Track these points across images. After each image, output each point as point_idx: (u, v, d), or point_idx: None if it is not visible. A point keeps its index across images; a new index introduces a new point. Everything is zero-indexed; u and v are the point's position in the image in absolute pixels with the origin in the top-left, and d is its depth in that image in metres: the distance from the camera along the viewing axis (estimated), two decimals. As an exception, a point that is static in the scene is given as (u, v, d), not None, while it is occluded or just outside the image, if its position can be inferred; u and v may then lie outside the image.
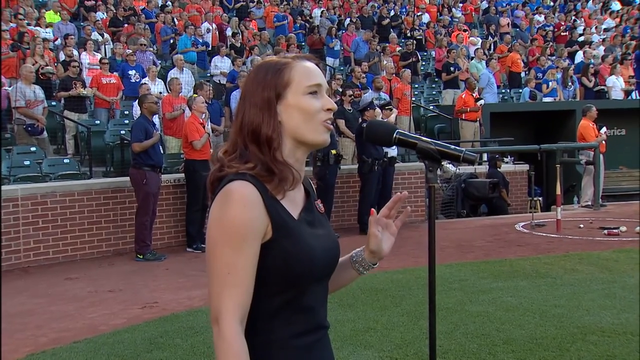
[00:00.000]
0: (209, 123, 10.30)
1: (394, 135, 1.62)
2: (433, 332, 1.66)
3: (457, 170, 11.22)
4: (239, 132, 1.51)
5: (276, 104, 1.50)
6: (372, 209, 1.65)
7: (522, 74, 16.20)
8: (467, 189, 11.27)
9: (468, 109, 12.52)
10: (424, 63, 17.05)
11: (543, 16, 20.97)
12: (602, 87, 15.20)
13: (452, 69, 14.48)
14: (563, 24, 20.03)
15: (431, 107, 14.33)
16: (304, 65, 1.53)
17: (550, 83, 14.77)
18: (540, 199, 12.65)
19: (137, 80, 11.73)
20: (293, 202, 1.51)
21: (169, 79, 11.26)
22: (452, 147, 1.63)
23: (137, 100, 9.19)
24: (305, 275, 1.46)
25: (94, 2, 15.95)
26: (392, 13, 19.04)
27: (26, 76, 9.58)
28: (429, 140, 1.64)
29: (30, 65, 10.26)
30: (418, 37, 17.17)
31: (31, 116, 9.40)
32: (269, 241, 1.44)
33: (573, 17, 21.35)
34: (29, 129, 9.42)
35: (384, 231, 1.65)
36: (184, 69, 12.29)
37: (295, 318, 1.48)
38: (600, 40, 18.78)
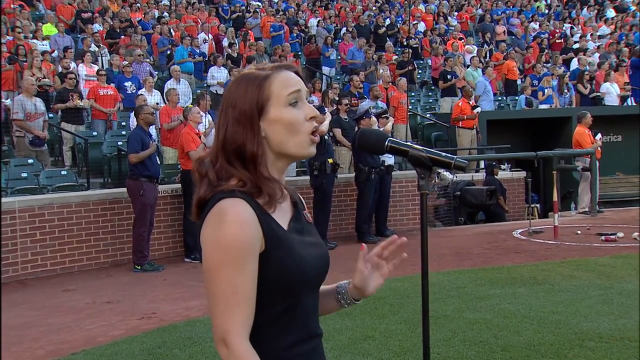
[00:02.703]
0: (212, 133, 10.32)
1: (386, 143, 1.64)
2: (427, 338, 1.67)
3: (455, 178, 11.24)
4: (222, 148, 1.50)
5: (259, 120, 1.49)
6: (363, 245, 1.62)
7: (518, 82, 16.27)
8: (465, 197, 11.28)
9: (465, 117, 12.55)
10: (420, 71, 17.11)
11: (538, 24, 21.06)
12: (598, 93, 15.25)
13: (449, 77, 14.54)
14: (558, 31, 20.13)
15: (428, 115, 14.37)
16: (282, 76, 1.53)
17: (545, 90, 14.81)
18: (537, 205, 12.66)
19: (133, 92, 11.76)
20: (282, 212, 1.52)
21: (166, 89, 11.29)
22: (444, 154, 1.65)
23: (133, 112, 9.21)
24: (298, 284, 1.47)
25: (90, 14, 16.02)
26: (388, 22, 19.12)
27: (27, 89, 9.58)
28: (421, 147, 1.65)
29: (31, 78, 10.26)
30: (414, 46, 17.25)
31: (27, 129, 9.37)
32: (262, 253, 1.44)
33: (568, 25, 21.45)
34: (36, 141, 9.42)
35: (373, 270, 1.63)
36: (181, 79, 12.33)
37: (291, 328, 1.49)
38: (596, 47, 18.87)
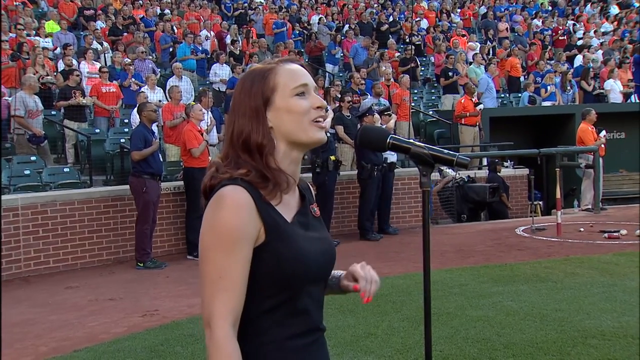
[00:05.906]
0: (215, 131, 10.34)
1: (388, 140, 1.63)
2: (428, 335, 1.66)
3: (457, 175, 11.22)
4: (230, 144, 1.53)
5: (265, 111, 1.52)
6: (356, 285, 1.64)
7: (521, 79, 16.23)
8: (467, 194, 11.26)
9: (467, 114, 12.53)
10: (423, 68, 17.07)
11: (541, 20, 21.01)
12: (602, 90, 15.21)
13: (450, 74, 14.51)
14: (561, 28, 20.07)
15: (430, 113, 14.35)
16: (288, 68, 1.55)
17: (548, 87, 14.79)
18: (540, 203, 12.65)
19: (136, 89, 11.77)
20: (287, 206, 1.53)
21: (168, 87, 11.29)
22: (446, 151, 1.64)
23: (136, 108, 9.21)
24: (298, 277, 1.47)
25: (93, 11, 16.02)
26: (390, 19, 19.09)
27: (31, 86, 9.55)
28: (423, 145, 1.65)
29: (34, 76, 10.25)
30: (417, 43, 17.21)
31: (26, 127, 9.33)
32: (262, 244, 1.45)
33: (571, 21, 21.40)
34: (33, 139, 9.42)
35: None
36: (183, 77, 12.32)
37: (290, 320, 1.49)
38: (599, 44, 18.81)
